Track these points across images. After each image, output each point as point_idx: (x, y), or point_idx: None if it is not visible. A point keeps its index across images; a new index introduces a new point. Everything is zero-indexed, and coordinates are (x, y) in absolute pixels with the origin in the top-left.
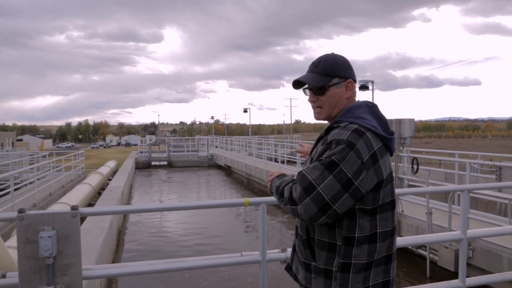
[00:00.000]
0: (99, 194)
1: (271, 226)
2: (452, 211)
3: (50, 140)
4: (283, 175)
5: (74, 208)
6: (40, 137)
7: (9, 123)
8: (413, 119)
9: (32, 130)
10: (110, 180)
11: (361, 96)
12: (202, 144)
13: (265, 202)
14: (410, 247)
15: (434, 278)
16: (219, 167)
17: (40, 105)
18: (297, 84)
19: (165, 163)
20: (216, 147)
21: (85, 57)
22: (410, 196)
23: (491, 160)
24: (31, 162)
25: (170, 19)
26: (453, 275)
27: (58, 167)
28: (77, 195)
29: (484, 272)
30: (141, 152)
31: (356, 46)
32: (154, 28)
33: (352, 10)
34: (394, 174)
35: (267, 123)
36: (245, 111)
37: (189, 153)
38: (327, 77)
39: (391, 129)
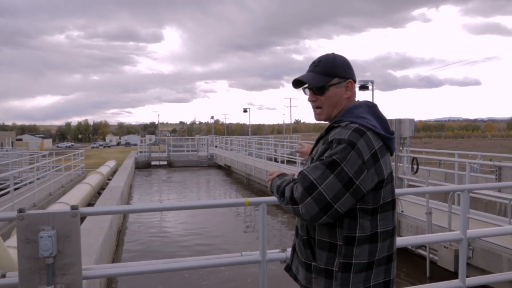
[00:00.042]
0: (99, 194)
1: (271, 226)
2: (452, 211)
3: (50, 140)
4: (284, 174)
5: (74, 207)
6: (39, 137)
7: (9, 122)
8: (413, 119)
9: (31, 130)
10: (110, 180)
11: (361, 96)
12: (202, 144)
13: (265, 202)
14: (410, 247)
15: (434, 278)
16: (219, 167)
17: (40, 104)
18: (297, 84)
19: (165, 163)
20: (216, 147)
21: (85, 57)
22: (410, 196)
23: (490, 160)
24: (31, 161)
25: (170, 19)
26: (453, 275)
27: (58, 167)
28: (77, 194)
29: (483, 272)
30: (141, 152)
31: (356, 46)
32: (154, 28)
33: (352, 10)
34: (394, 174)
35: (267, 123)
36: (245, 111)
37: (189, 153)
38: (327, 77)
39: (391, 129)
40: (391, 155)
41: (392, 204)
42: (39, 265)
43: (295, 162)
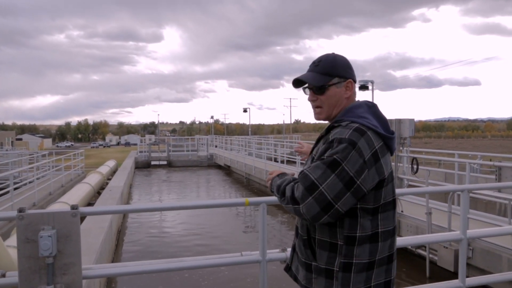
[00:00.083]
0: (99, 193)
1: (271, 226)
2: (452, 211)
3: (50, 140)
4: (284, 174)
5: (74, 207)
6: (39, 137)
7: (9, 122)
8: (412, 119)
9: (31, 130)
10: (109, 179)
11: (361, 96)
12: (202, 144)
13: (265, 202)
14: (409, 247)
15: (433, 278)
16: (218, 166)
17: (40, 104)
18: (297, 83)
19: (165, 162)
20: (216, 146)
21: (84, 57)
22: (409, 196)
23: (490, 160)
24: (31, 161)
25: (170, 18)
26: (453, 275)
27: (58, 167)
28: (77, 194)
29: (483, 272)
30: (140, 152)
31: (356, 46)
32: (154, 28)
33: (352, 10)
34: (394, 174)
35: (266, 123)
36: (245, 111)
37: (188, 153)
38: (327, 77)
39: (391, 129)
40: (392, 154)
41: (393, 203)
42: (39, 265)
43: (295, 162)
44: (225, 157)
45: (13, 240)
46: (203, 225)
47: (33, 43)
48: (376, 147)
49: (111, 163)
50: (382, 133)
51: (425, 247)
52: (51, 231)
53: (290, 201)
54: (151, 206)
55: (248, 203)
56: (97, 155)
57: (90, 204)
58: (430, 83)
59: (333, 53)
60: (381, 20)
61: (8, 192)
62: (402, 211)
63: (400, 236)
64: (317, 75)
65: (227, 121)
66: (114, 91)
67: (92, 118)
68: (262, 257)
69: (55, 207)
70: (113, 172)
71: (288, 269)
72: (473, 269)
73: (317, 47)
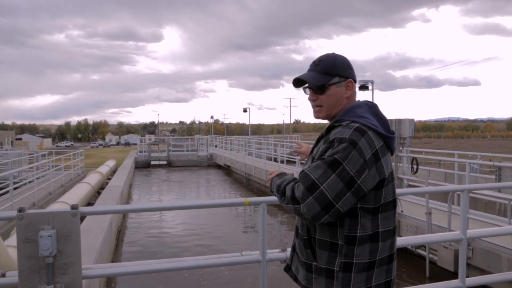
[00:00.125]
0: (99, 193)
1: (271, 226)
2: (452, 211)
3: (50, 139)
4: (283, 174)
5: (74, 207)
6: (39, 136)
7: (9, 122)
8: (412, 119)
9: (31, 129)
10: (109, 179)
11: (360, 96)
12: (202, 144)
13: (265, 202)
14: (409, 247)
15: (433, 278)
16: (218, 166)
17: (40, 104)
18: (297, 83)
19: (165, 162)
20: (216, 146)
21: (84, 56)
22: (409, 196)
23: (490, 161)
24: (31, 161)
25: (170, 18)
26: (453, 275)
27: (58, 166)
28: (77, 194)
29: (483, 272)
30: (140, 152)
31: (356, 46)
32: (154, 28)
33: (352, 10)
34: (394, 174)
35: (266, 122)
36: (245, 110)
37: (188, 153)
38: (328, 76)
39: (391, 129)
40: (392, 154)
41: (393, 203)
42: (39, 265)
43: (294, 162)
44: (225, 157)
45: (13, 240)
46: (203, 225)
47: (33, 42)
48: (377, 147)
49: (111, 163)
50: (382, 133)
51: (425, 247)
52: (51, 231)
53: (291, 201)
54: (151, 206)
55: (248, 203)
56: (97, 155)
57: (90, 204)
58: (430, 83)
59: (333, 53)
60: (381, 20)
61: (7, 191)
62: (402, 211)
63: (400, 236)
64: (317, 75)
65: (227, 121)
66: (114, 91)
67: (92, 118)
68: (262, 257)
69: (55, 207)
70: (113, 172)
71: (288, 269)
72: (473, 269)
73: (317, 47)
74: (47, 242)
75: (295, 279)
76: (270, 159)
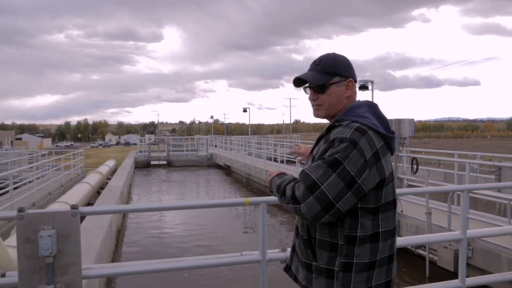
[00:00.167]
0: (98, 193)
1: (271, 226)
2: (452, 211)
3: (49, 139)
4: (283, 174)
5: (74, 207)
6: (39, 136)
7: (8, 122)
8: (412, 119)
9: (31, 129)
10: (109, 179)
11: (360, 96)
12: (202, 144)
13: (265, 202)
14: (409, 247)
15: (433, 278)
16: (218, 166)
17: (40, 104)
18: (298, 82)
19: (165, 162)
20: (216, 146)
21: (84, 56)
22: (409, 196)
23: (490, 160)
24: (30, 161)
25: (170, 18)
26: (453, 275)
27: (57, 166)
28: (76, 194)
29: (483, 272)
30: (140, 152)
31: (356, 46)
32: (154, 28)
33: (352, 10)
34: (394, 174)
35: (266, 122)
36: (245, 110)
37: (188, 153)
38: (328, 76)
39: (391, 129)
40: (392, 154)
41: (393, 203)
42: (38, 265)
43: (294, 162)
44: (224, 157)
45: (12, 240)
46: (203, 225)
47: (33, 42)
48: (377, 147)
49: (110, 163)
50: (383, 132)
51: (425, 247)
52: (51, 231)
53: (291, 201)
54: (151, 206)
55: (248, 203)
56: (97, 155)
57: (89, 204)
58: (429, 83)
59: (334, 53)
60: (381, 20)
61: (7, 191)
62: (402, 211)
63: (400, 236)
64: (318, 74)
65: (226, 121)
66: (113, 90)
67: (91, 117)
68: (262, 257)
69: (54, 206)
70: (113, 172)
71: (287, 269)
72: (473, 269)
73: (317, 47)
74: (47, 242)
75: (295, 279)
76: (270, 159)
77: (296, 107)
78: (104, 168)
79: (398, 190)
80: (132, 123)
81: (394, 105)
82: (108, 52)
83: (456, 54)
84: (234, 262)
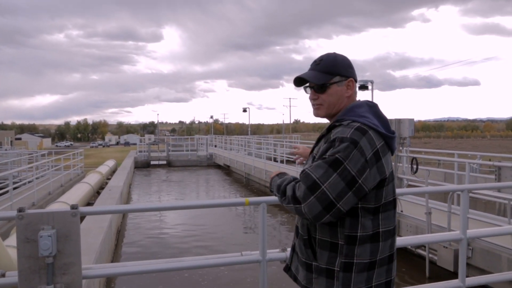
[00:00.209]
0: (98, 193)
1: (271, 226)
2: (452, 211)
3: (49, 139)
4: (283, 173)
5: (74, 207)
6: (39, 136)
7: (8, 122)
8: (412, 119)
9: (31, 129)
10: (109, 179)
11: (360, 96)
12: (201, 144)
13: (265, 202)
14: (409, 247)
15: (433, 278)
16: (218, 166)
17: (39, 104)
18: (298, 82)
19: (164, 162)
20: (215, 146)
21: (84, 56)
22: (409, 196)
23: (490, 160)
24: (30, 161)
25: (170, 18)
26: (452, 275)
27: (57, 166)
28: (76, 194)
29: (483, 272)
30: (140, 152)
31: (356, 46)
32: (154, 28)
33: (352, 10)
34: (394, 174)
35: (266, 122)
36: (244, 110)
37: (188, 153)
38: (329, 75)
39: (391, 128)
40: (392, 154)
41: (393, 203)
42: (38, 265)
43: (294, 162)
44: (224, 157)
45: (12, 240)
46: (203, 225)
47: (32, 42)
48: (378, 147)
49: (110, 163)
50: (383, 132)
51: (425, 247)
52: (51, 231)
53: (292, 201)
54: (151, 206)
55: (248, 203)
56: (97, 155)
57: (89, 204)
58: (429, 83)
59: (334, 52)
60: (380, 20)
61: (7, 191)
62: (401, 211)
63: (400, 236)
64: (318, 74)
65: (226, 121)
66: (113, 90)
67: (91, 117)
68: (262, 257)
69: (54, 206)
70: (113, 171)
71: (287, 269)
72: (473, 269)
73: (316, 47)
74: (47, 242)
75: (295, 279)
76: (269, 159)
77: (296, 107)
78: (104, 168)
79: (398, 190)
80: (132, 123)
81: (393, 105)
82: (108, 52)
83: (455, 54)
84: (234, 262)
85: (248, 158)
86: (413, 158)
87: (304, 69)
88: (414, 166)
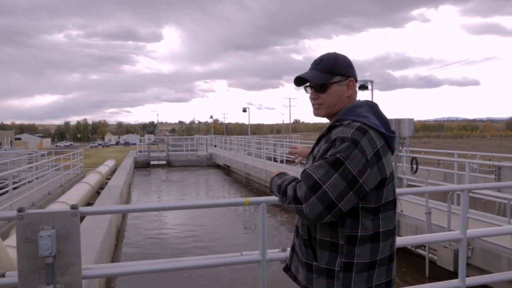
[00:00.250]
0: (98, 193)
1: (271, 226)
2: (452, 211)
3: (49, 139)
4: (284, 173)
5: (74, 207)
6: (38, 136)
7: (8, 122)
8: (412, 119)
9: (30, 129)
10: (109, 179)
11: (360, 95)
12: (201, 144)
13: (265, 202)
14: (409, 247)
15: (433, 278)
16: (218, 166)
17: (39, 104)
18: (298, 81)
19: (164, 162)
20: (215, 146)
21: (84, 56)
22: (409, 196)
23: (490, 160)
24: (30, 161)
25: (170, 18)
26: (452, 274)
27: (57, 166)
28: (76, 194)
29: (483, 272)
30: (140, 152)
31: (355, 46)
32: (153, 27)
33: (352, 10)
34: (394, 174)
35: (266, 122)
36: (244, 110)
37: (188, 153)
38: (329, 75)
39: (392, 128)
40: (392, 154)
41: (393, 203)
42: (38, 265)
43: (294, 162)
44: (224, 157)
45: (12, 240)
46: (202, 225)
47: (32, 42)
48: (378, 146)
49: (110, 163)
50: (383, 132)
51: (425, 246)
52: (50, 231)
53: (293, 201)
54: (151, 206)
55: (248, 203)
56: (96, 155)
57: (89, 204)
58: (429, 83)
59: (335, 52)
60: (380, 20)
61: (7, 191)
62: (401, 211)
63: (400, 236)
64: (318, 73)
65: (226, 121)
66: (113, 90)
67: (91, 117)
68: (262, 257)
69: (54, 206)
70: (113, 171)
71: (287, 269)
72: (473, 268)
73: (316, 47)
74: (47, 242)
75: (295, 279)
76: (269, 159)
77: (295, 107)
78: (104, 168)
79: (398, 190)
80: (131, 123)
81: (393, 105)
82: (107, 52)
83: (455, 54)
84: (234, 262)
85: (248, 158)
86: (413, 158)
87: (304, 69)
88: (414, 166)
